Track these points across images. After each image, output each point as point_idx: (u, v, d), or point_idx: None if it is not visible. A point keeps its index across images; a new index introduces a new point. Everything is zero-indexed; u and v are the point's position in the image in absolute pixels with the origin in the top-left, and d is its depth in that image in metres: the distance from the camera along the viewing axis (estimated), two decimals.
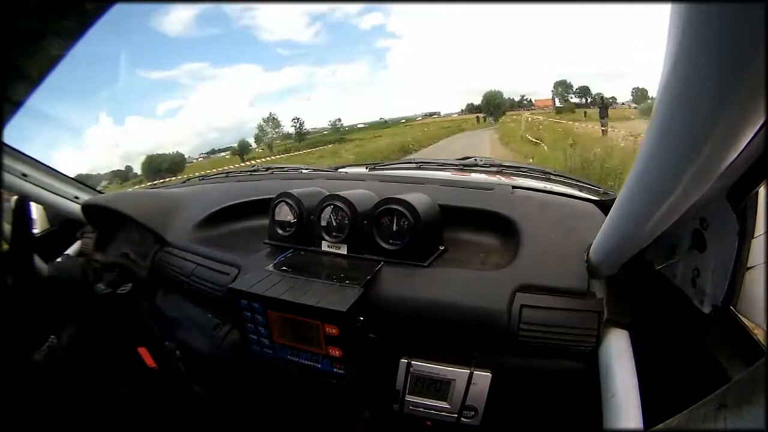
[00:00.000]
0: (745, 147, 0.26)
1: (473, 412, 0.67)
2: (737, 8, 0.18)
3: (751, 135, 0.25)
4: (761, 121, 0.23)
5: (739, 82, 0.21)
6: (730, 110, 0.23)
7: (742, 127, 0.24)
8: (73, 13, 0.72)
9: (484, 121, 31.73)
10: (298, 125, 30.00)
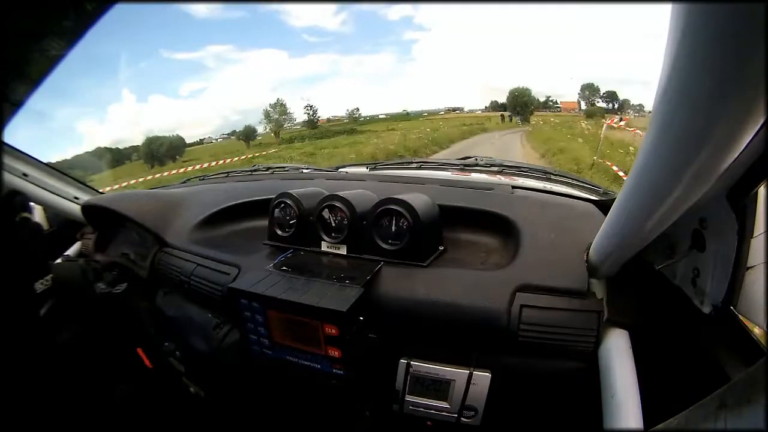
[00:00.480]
0: (745, 147, 0.26)
1: (473, 412, 0.67)
2: (737, 8, 0.18)
3: (751, 135, 0.25)
4: (761, 121, 0.23)
5: (739, 82, 0.21)
6: (730, 110, 0.23)
7: (742, 127, 0.24)
8: (73, 13, 0.72)
9: (510, 120, 27.67)
10: (310, 112, 27.25)
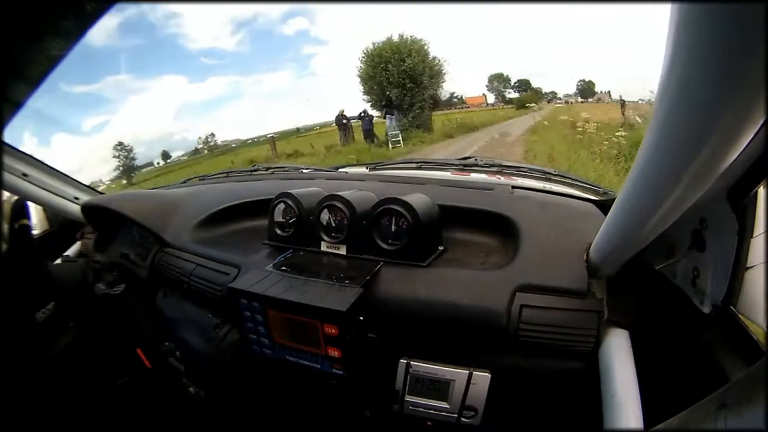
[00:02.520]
0: (745, 147, 0.26)
1: (473, 412, 0.67)
2: (737, 8, 0.18)
3: (751, 135, 0.25)
4: (761, 121, 0.23)
5: (739, 82, 0.21)
6: (730, 110, 0.23)
7: (742, 127, 0.24)
8: (73, 13, 0.72)
9: (372, 142, 11.05)
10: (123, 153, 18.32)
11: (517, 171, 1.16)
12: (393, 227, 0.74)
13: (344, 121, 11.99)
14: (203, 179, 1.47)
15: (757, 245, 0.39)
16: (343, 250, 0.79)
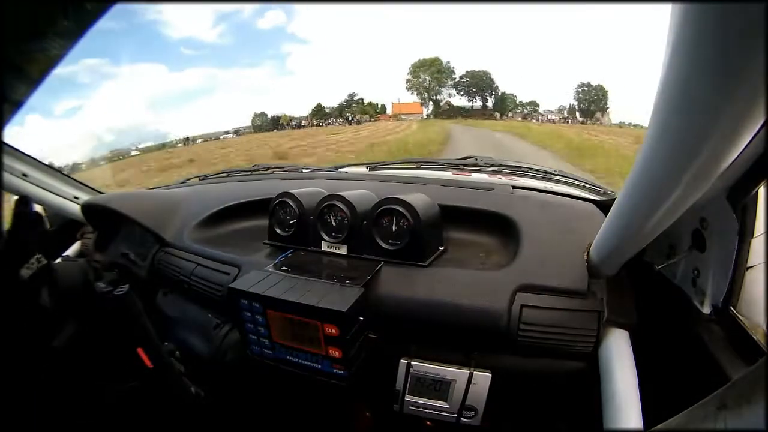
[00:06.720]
0: (745, 147, 0.26)
1: (473, 413, 0.67)
2: (737, 8, 0.18)
3: (751, 135, 0.25)
4: (761, 121, 0.23)
5: (739, 82, 0.21)
6: (730, 110, 0.23)
7: (742, 127, 0.24)
8: (73, 13, 0.72)
9: None
10: None
11: (518, 171, 1.16)
12: (393, 227, 0.74)
13: None
14: (203, 179, 1.47)
15: (757, 245, 0.39)
16: (343, 250, 0.79)
